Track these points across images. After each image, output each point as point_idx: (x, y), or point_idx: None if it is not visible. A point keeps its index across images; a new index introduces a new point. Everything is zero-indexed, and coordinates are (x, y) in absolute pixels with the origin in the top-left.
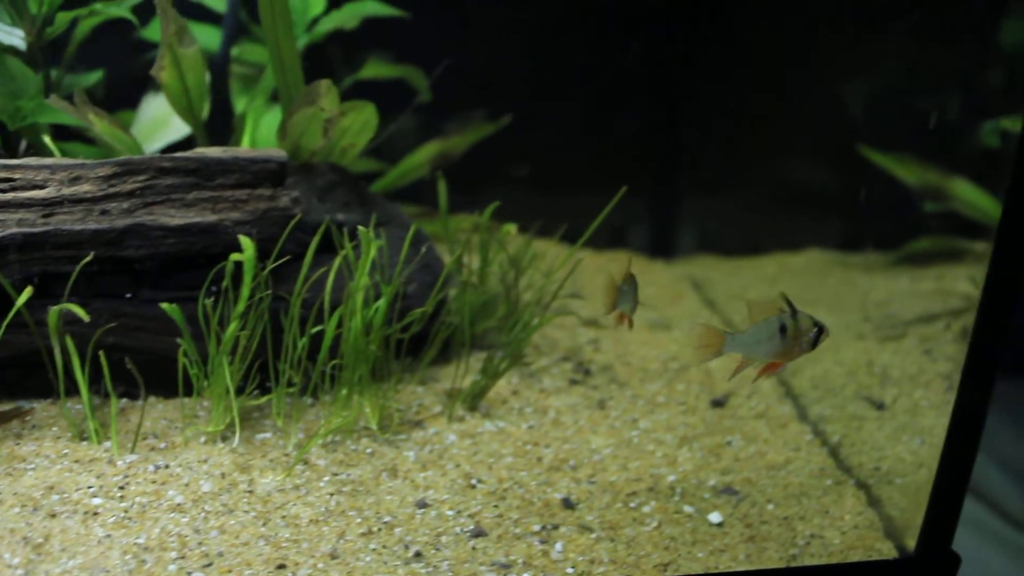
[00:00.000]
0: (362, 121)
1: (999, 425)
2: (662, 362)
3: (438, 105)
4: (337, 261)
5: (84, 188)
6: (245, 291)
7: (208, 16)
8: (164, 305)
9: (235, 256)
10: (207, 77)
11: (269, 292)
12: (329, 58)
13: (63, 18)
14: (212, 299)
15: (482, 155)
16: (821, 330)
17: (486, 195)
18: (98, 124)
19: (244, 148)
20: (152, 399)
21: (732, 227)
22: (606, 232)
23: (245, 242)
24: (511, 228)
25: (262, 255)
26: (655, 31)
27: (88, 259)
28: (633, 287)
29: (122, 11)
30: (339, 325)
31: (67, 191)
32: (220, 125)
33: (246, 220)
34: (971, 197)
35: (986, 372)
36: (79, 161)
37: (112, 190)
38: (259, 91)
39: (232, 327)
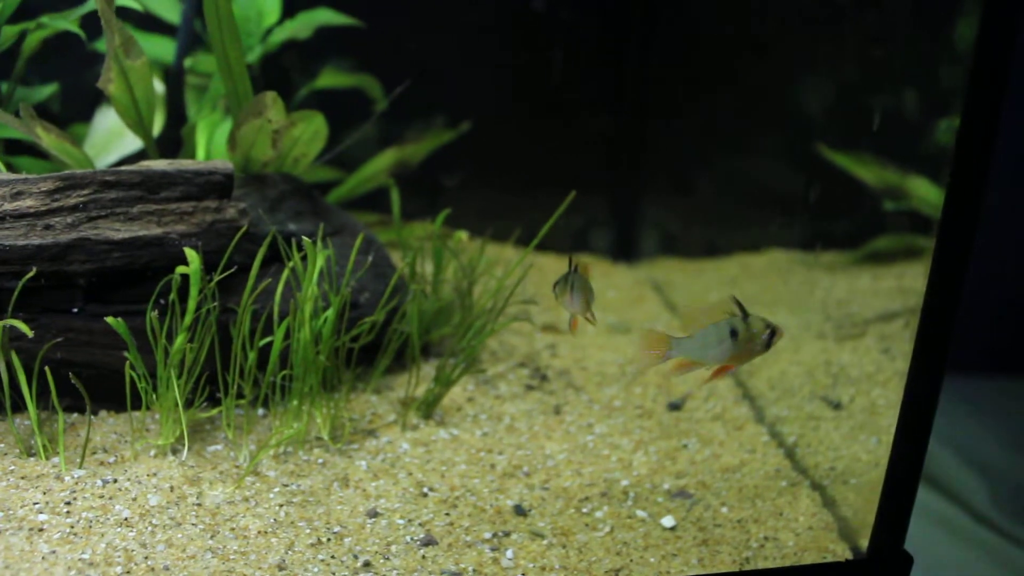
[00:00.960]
0: (312, 131)
1: (968, 423)
2: (619, 366)
3: (400, 111)
4: (285, 273)
5: (27, 203)
6: (192, 303)
7: (162, 27)
8: (109, 319)
9: (181, 269)
10: (161, 88)
11: (216, 304)
12: (286, 68)
13: (9, 32)
14: (160, 312)
15: (442, 161)
16: (774, 332)
17: (446, 201)
18: (46, 138)
19: (189, 160)
20: (103, 413)
21: (694, 229)
22: (569, 236)
23: (191, 254)
24: (462, 235)
25: (210, 267)
26: (614, 33)
27: (31, 275)
28: (583, 286)
29: (69, 24)
30: (288, 336)
31: (9, 206)
32: (179, 136)
33: (192, 232)
34: (929, 195)
35: (934, 369)
36: (21, 176)
37: (55, 205)
38: (205, 101)
39: (179, 340)
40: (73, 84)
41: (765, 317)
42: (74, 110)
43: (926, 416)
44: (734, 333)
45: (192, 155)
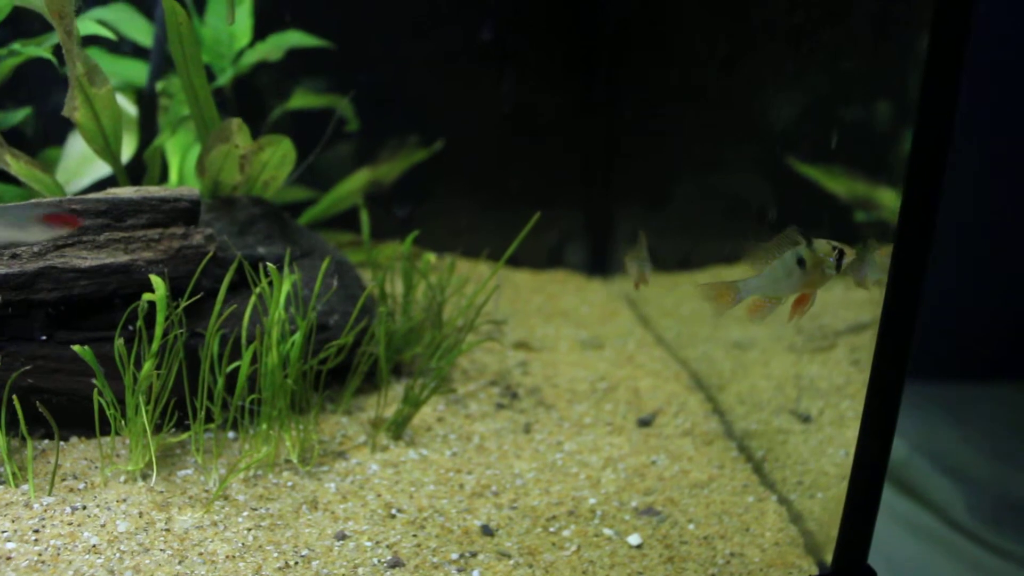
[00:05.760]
0: (280, 155)
1: (945, 430)
2: (590, 383)
3: (373, 132)
4: (253, 298)
5: None
6: (159, 330)
7: (134, 50)
8: (76, 347)
9: (148, 296)
10: (134, 112)
11: (183, 331)
12: (259, 89)
13: None
14: (128, 339)
15: (416, 180)
16: (843, 252)
17: (422, 221)
18: (15, 165)
19: (155, 187)
20: (73, 439)
21: (668, 243)
22: (544, 252)
23: (156, 281)
24: (430, 257)
25: (177, 293)
26: (584, 50)
27: None
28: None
29: (42, 51)
30: (256, 360)
31: None
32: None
33: (159, 259)
34: (897, 205)
35: (893, 381)
36: None
37: None
38: (166, 124)
39: (147, 366)
40: (49, 106)
41: (830, 239)
42: (51, 133)
43: (887, 430)
44: (801, 262)
45: (156, 180)
